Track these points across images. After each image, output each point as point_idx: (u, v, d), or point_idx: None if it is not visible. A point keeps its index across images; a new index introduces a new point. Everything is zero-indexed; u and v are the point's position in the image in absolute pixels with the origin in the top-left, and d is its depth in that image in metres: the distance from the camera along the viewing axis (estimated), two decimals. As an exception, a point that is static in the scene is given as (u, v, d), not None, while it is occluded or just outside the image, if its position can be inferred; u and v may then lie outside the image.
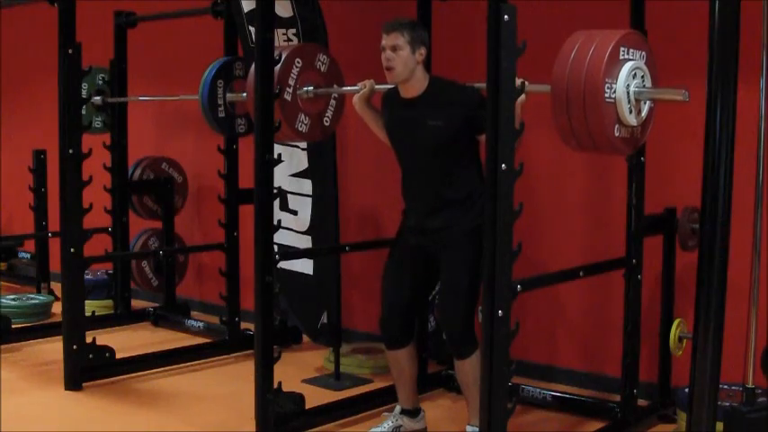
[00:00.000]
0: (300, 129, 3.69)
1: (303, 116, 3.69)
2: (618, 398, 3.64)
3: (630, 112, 2.63)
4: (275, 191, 3.61)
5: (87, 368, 4.29)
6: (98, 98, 5.41)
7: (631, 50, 2.64)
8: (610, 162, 3.99)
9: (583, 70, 2.56)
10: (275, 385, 3.49)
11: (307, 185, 4.52)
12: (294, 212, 4.55)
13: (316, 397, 3.91)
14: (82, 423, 3.81)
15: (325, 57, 3.80)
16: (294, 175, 4.56)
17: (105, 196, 5.43)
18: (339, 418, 3.79)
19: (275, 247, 3.54)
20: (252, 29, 4.32)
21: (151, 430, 3.72)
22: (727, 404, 3.17)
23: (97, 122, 5.55)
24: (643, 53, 2.69)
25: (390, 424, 3.58)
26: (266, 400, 3.46)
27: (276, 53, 3.54)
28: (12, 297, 5.78)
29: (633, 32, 2.72)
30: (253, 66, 3.54)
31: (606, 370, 4.17)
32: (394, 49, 3.29)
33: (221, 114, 4.57)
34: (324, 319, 4.52)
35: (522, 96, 2.80)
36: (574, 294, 4.26)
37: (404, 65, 3.30)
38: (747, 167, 2.98)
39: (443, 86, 3.38)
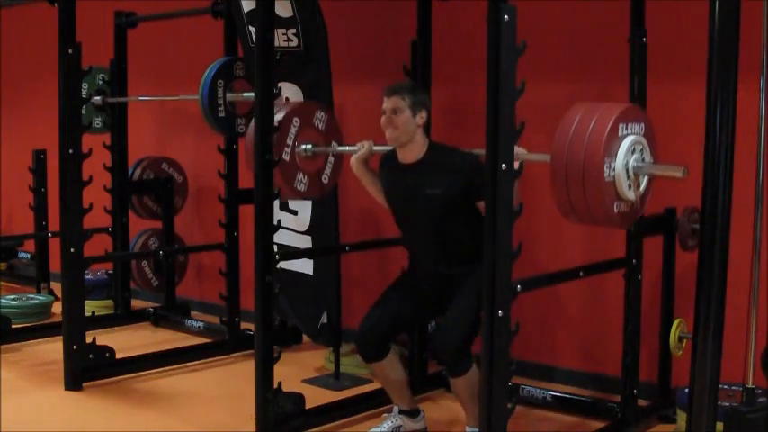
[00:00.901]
0: (299, 188, 3.70)
1: (302, 175, 3.70)
2: (618, 398, 3.64)
3: (629, 187, 2.66)
4: (275, 191, 3.60)
5: (87, 368, 4.29)
6: (98, 98, 5.40)
7: (630, 125, 2.66)
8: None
9: (582, 150, 2.58)
10: (275, 385, 3.49)
11: (307, 185, 4.52)
12: (294, 212, 4.55)
13: (316, 397, 3.91)
14: (82, 423, 3.81)
15: (323, 114, 3.80)
16: (294, 175, 4.56)
17: (105, 196, 5.42)
18: (339, 418, 3.79)
19: (275, 247, 3.54)
20: (252, 29, 4.32)
21: (151, 430, 3.72)
22: (727, 404, 3.18)
23: (97, 122, 5.55)
24: (641, 125, 2.71)
25: (390, 424, 3.59)
26: (266, 400, 3.46)
27: (276, 109, 3.53)
28: (12, 297, 5.78)
29: (632, 106, 2.74)
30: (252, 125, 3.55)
31: (606, 370, 4.16)
32: (394, 111, 3.28)
33: (221, 114, 4.57)
34: (324, 319, 4.51)
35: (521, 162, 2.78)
36: (574, 294, 4.26)
37: (404, 128, 3.29)
38: (747, 167, 2.98)
39: (442, 153, 3.37)
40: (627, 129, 2.64)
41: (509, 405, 2.74)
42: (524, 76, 2.68)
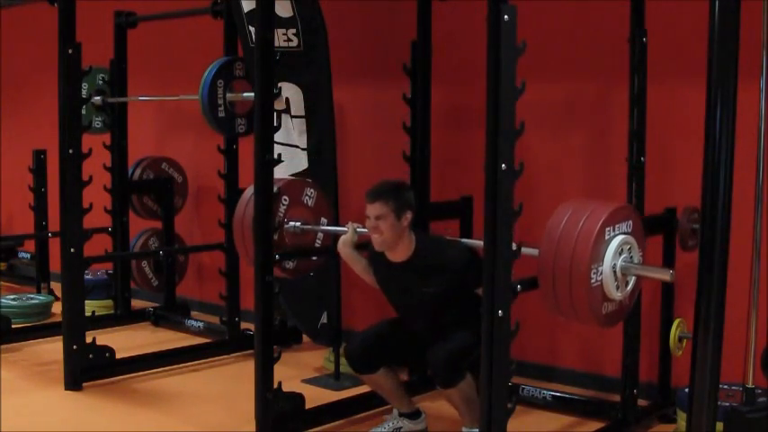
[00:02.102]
0: (287, 266, 3.70)
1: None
2: (618, 398, 3.64)
3: (617, 288, 2.67)
4: (275, 191, 3.60)
5: (87, 368, 4.29)
6: (98, 98, 5.41)
7: (618, 225, 2.67)
8: (610, 162, 3.99)
9: (568, 256, 2.60)
10: (275, 385, 3.49)
11: (307, 186, 4.52)
12: (294, 212, 4.55)
13: (316, 397, 3.91)
14: (82, 423, 3.81)
15: (312, 191, 3.80)
16: (294, 175, 4.55)
17: (105, 196, 5.42)
18: (339, 418, 3.79)
19: (275, 247, 3.54)
20: (252, 29, 4.32)
21: (151, 430, 3.72)
22: (727, 404, 3.18)
23: (97, 122, 5.56)
24: (629, 222, 2.73)
25: (390, 425, 3.59)
26: (266, 400, 3.46)
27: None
28: (12, 297, 5.78)
29: (620, 207, 2.74)
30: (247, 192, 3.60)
31: (606, 370, 4.17)
32: (378, 218, 3.26)
33: (221, 114, 4.57)
34: (324, 319, 4.51)
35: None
36: (574, 294, 4.26)
37: (390, 233, 3.27)
38: (747, 167, 2.98)
39: (431, 249, 3.35)
40: (614, 230, 2.66)
41: (509, 405, 2.74)
42: (524, 76, 2.68)
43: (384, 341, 3.50)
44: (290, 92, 4.39)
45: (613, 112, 3.93)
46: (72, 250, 4.21)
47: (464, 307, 3.31)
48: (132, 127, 5.59)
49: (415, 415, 3.63)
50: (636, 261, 2.76)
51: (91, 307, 4.84)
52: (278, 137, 3.78)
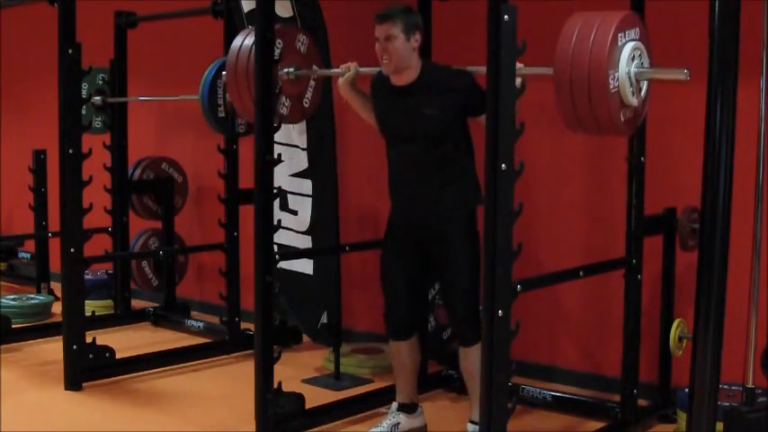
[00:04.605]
0: (282, 111, 3.64)
1: (284, 98, 3.64)
2: (618, 398, 3.64)
3: (633, 94, 2.64)
4: (275, 191, 3.60)
5: (87, 368, 4.29)
6: (98, 98, 5.41)
7: (628, 32, 2.63)
8: (610, 162, 3.99)
9: (585, 65, 2.55)
10: (275, 385, 3.49)
11: (307, 185, 4.52)
12: (294, 212, 4.55)
13: (316, 397, 3.91)
14: (82, 423, 3.81)
15: (304, 38, 3.75)
16: (294, 175, 4.56)
17: (105, 196, 5.42)
18: (339, 418, 3.79)
19: (275, 247, 3.54)
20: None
21: (151, 430, 3.72)
22: (727, 404, 3.18)
23: (97, 122, 5.56)
24: (637, 29, 2.69)
25: (387, 423, 3.58)
26: (266, 400, 3.46)
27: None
28: (12, 297, 5.78)
29: (629, 14, 2.70)
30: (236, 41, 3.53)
31: (606, 370, 4.16)
32: (387, 39, 3.24)
33: (221, 114, 4.57)
34: (324, 319, 4.52)
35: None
36: (574, 294, 4.26)
37: (400, 54, 3.25)
38: (747, 167, 2.98)
39: (436, 72, 3.33)
40: (625, 36, 2.62)
41: (509, 405, 2.74)
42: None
43: (411, 299, 3.52)
44: (291, 92, 4.38)
45: (613, 112, 3.92)
46: (72, 250, 4.21)
47: (462, 151, 3.28)
48: (132, 127, 5.59)
49: (413, 408, 3.62)
50: (646, 66, 2.74)
51: (91, 307, 4.83)
52: (278, 137, 3.78)
